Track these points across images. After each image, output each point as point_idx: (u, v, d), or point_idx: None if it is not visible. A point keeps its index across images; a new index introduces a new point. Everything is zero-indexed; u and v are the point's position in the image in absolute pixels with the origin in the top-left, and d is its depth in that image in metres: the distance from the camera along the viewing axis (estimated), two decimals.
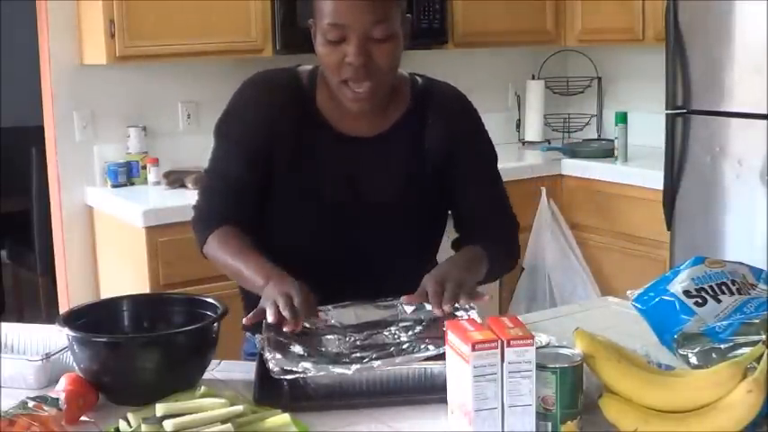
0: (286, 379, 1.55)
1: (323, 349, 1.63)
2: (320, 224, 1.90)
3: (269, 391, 1.55)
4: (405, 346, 1.62)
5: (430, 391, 1.54)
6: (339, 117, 1.87)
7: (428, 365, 1.57)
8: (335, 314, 1.76)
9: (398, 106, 1.90)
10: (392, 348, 1.61)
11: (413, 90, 1.92)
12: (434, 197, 1.94)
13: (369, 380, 1.56)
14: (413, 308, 1.76)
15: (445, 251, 1.99)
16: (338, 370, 1.55)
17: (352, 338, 1.66)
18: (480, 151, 1.97)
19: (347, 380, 1.56)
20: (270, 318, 1.60)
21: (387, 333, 1.67)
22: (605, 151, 4.18)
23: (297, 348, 1.61)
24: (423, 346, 1.61)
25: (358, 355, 1.60)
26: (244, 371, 1.71)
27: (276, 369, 1.54)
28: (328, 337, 1.67)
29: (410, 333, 1.67)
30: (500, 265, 1.95)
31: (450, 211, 2.00)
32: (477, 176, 1.96)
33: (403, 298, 1.73)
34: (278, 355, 1.56)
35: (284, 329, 1.59)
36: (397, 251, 1.91)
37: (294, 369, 1.54)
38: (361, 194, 1.89)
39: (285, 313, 1.60)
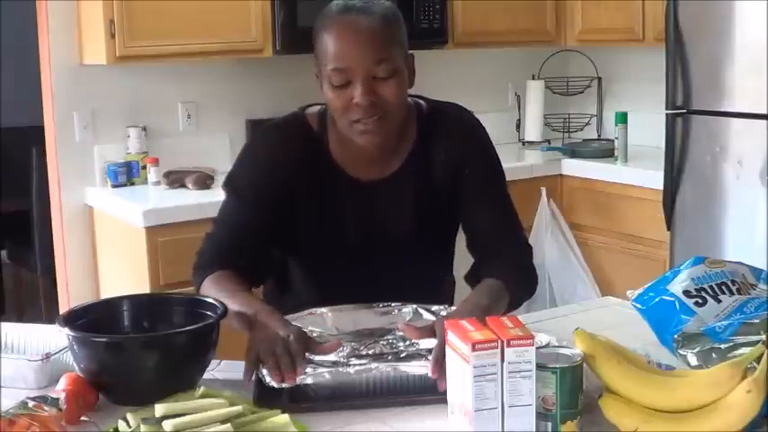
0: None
1: (320, 358, 1.62)
2: (340, 263, 1.93)
3: (269, 392, 1.55)
4: (402, 356, 1.61)
5: (430, 392, 1.54)
6: (351, 161, 1.89)
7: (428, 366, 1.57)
8: (332, 319, 1.76)
9: (406, 143, 1.92)
10: (390, 357, 1.61)
11: (418, 121, 1.93)
12: (450, 224, 1.98)
13: (369, 381, 1.56)
14: (410, 316, 1.77)
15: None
16: (337, 370, 1.55)
17: (350, 347, 1.66)
18: (486, 174, 1.97)
19: (347, 381, 1.55)
20: (272, 380, 1.54)
21: (384, 342, 1.67)
22: (605, 151, 4.18)
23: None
24: (420, 356, 1.60)
25: (355, 362, 1.59)
26: (244, 371, 1.71)
27: (273, 383, 1.53)
28: (325, 344, 1.67)
29: (407, 342, 1.67)
30: (522, 292, 1.92)
31: (462, 230, 2.01)
32: (485, 200, 1.96)
33: (402, 327, 1.68)
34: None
35: (285, 385, 1.54)
36: (413, 278, 1.92)
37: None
38: (379, 234, 1.93)
39: (284, 368, 1.54)
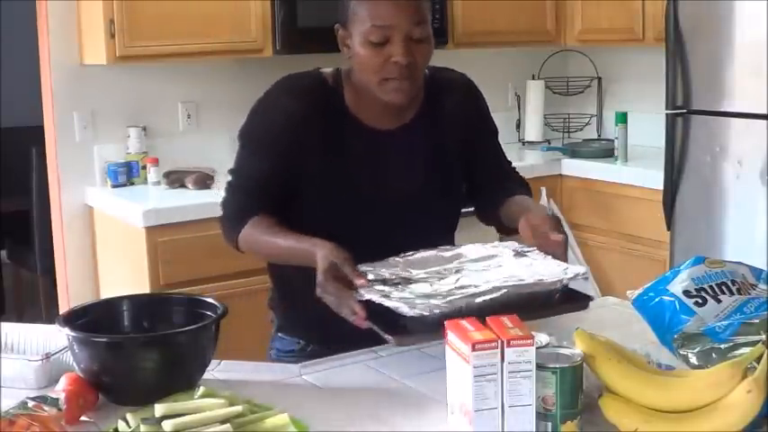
0: (407, 316, 1.57)
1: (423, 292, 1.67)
2: (354, 214, 1.95)
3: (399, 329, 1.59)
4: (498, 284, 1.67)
5: (540, 309, 1.63)
6: (366, 112, 1.95)
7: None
8: (403, 263, 1.81)
9: (417, 98, 1.99)
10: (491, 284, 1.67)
11: (424, 81, 2.01)
12: (457, 180, 2.06)
13: (484, 307, 1.58)
14: (476, 251, 1.85)
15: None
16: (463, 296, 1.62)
17: (446, 279, 1.72)
18: (490, 128, 2.14)
19: (465, 308, 1.59)
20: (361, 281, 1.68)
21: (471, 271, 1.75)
22: (605, 151, 4.18)
23: (403, 294, 1.65)
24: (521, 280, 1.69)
25: (458, 291, 1.65)
26: (244, 371, 1.72)
27: (412, 312, 1.56)
28: (420, 284, 1.71)
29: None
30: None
31: (468, 188, 2.12)
32: (491, 150, 2.14)
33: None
34: (400, 301, 1.60)
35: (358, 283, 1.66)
36: (422, 235, 1.97)
37: (423, 310, 1.57)
38: (392, 183, 1.97)
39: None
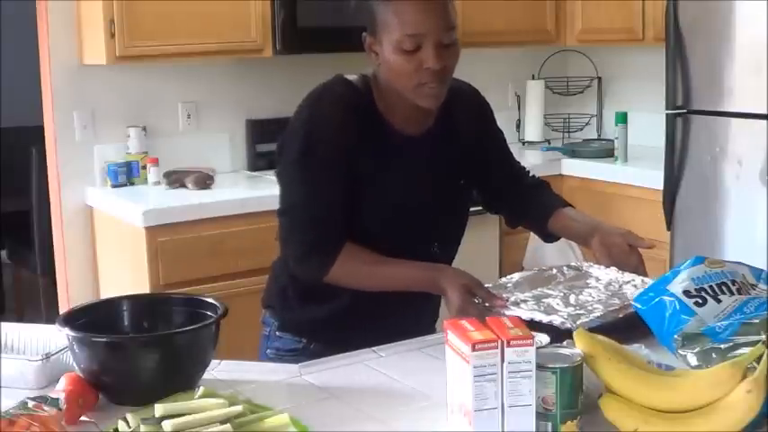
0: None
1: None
2: (394, 217, 1.98)
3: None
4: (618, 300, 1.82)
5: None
6: (395, 117, 1.97)
7: None
8: (514, 286, 1.90)
9: None
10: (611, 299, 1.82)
11: None
12: (469, 182, 2.12)
13: (617, 322, 1.74)
14: (601, 269, 2.00)
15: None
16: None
17: (571, 296, 1.82)
18: (499, 133, 2.22)
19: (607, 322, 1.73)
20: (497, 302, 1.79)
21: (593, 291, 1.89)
22: (605, 151, 4.18)
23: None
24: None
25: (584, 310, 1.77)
26: (244, 371, 1.72)
27: (569, 324, 1.67)
28: (548, 301, 1.82)
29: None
30: None
31: (485, 194, 2.22)
32: (504, 152, 2.23)
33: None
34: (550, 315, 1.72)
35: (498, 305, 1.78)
36: (443, 233, 2.06)
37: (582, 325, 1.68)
38: (420, 185, 2.00)
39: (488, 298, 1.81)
